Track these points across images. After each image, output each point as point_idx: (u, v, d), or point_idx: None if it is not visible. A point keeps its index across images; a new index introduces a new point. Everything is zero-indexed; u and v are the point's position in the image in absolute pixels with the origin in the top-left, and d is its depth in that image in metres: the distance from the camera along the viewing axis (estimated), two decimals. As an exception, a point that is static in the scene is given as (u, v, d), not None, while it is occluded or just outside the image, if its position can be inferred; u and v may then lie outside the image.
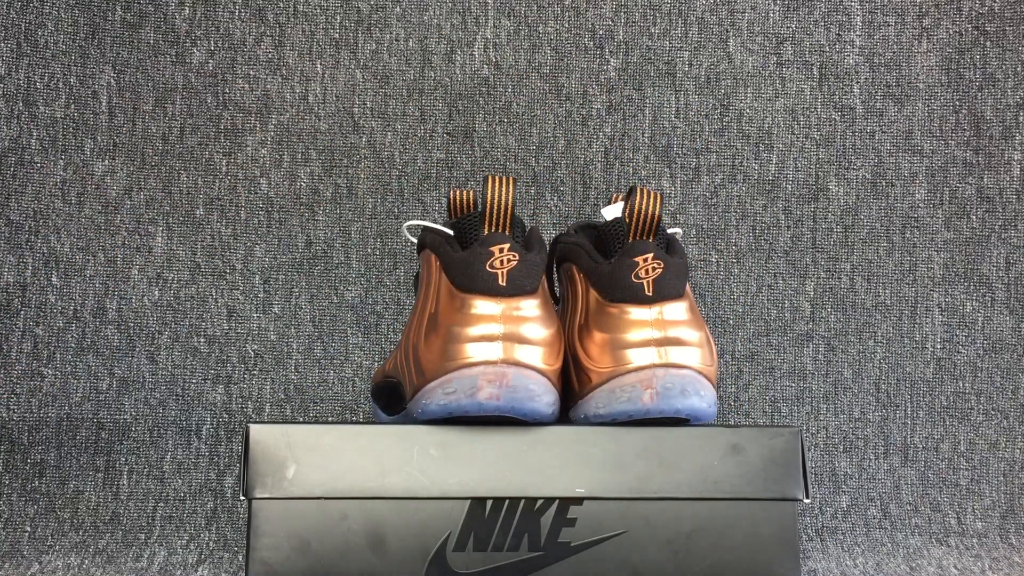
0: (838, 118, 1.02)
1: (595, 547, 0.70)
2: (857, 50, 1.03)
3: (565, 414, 0.74)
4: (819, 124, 1.02)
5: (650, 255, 0.72)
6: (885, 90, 1.03)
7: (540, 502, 0.69)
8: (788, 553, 0.70)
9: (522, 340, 0.69)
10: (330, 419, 1.00)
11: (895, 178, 1.02)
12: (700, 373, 0.71)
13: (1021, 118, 1.03)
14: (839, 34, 1.03)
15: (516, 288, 0.69)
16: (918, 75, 1.03)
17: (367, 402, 1.00)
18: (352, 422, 0.99)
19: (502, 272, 0.69)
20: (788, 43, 1.03)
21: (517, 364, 0.69)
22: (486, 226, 0.71)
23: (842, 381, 1.01)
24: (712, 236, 1.02)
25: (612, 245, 0.75)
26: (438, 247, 0.73)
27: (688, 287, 0.74)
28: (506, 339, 0.69)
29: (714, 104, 1.02)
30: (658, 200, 0.73)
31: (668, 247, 0.75)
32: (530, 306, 0.70)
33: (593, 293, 0.74)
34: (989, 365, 1.01)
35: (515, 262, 0.69)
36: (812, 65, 1.03)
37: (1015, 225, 1.02)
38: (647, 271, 0.72)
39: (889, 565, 0.90)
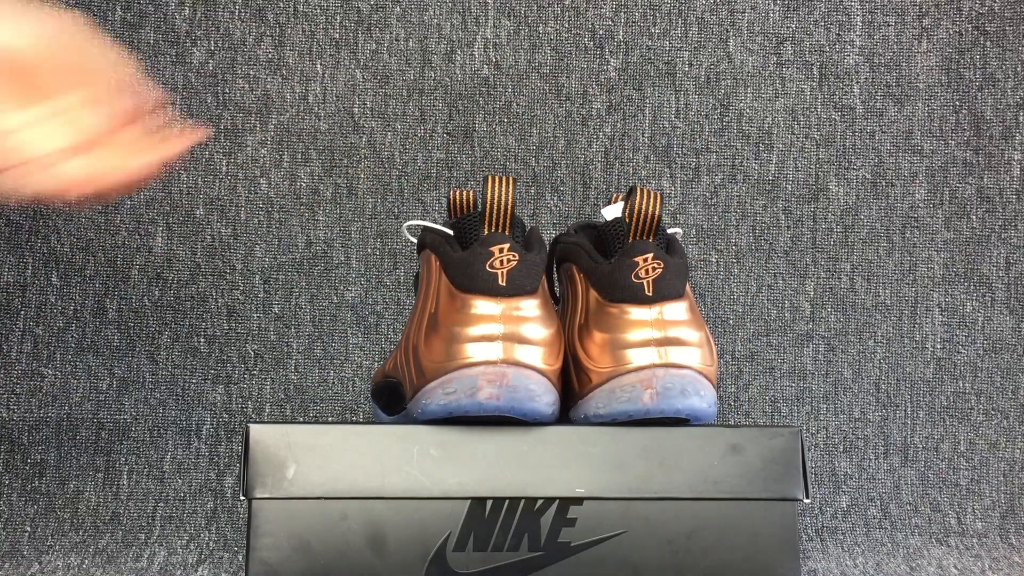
0: (838, 118, 1.02)
1: (595, 547, 0.70)
2: (857, 50, 1.03)
3: (565, 414, 0.74)
4: (819, 124, 1.02)
5: (650, 255, 0.72)
6: (885, 90, 1.03)
7: (540, 502, 0.69)
8: (788, 553, 0.70)
9: (522, 340, 0.69)
10: (330, 419, 1.00)
11: (895, 178, 1.02)
12: (700, 373, 0.71)
13: (1021, 118, 1.03)
14: (839, 34, 1.03)
15: (516, 288, 0.69)
16: (918, 75, 1.03)
17: (367, 402, 1.00)
18: (352, 422, 0.99)
19: (502, 272, 0.69)
20: (788, 43, 1.03)
21: (517, 364, 0.69)
22: (486, 226, 0.71)
23: (842, 381, 1.01)
24: (712, 236, 1.02)
25: (612, 245, 0.75)
26: (438, 247, 0.73)
27: (688, 287, 0.74)
28: (506, 339, 0.69)
29: (714, 104, 1.02)
30: (658, 200, 0.73)
31: (668, 247, 0.75)
32: (530, 306, 0.70)
33: (593, 293, 0.74)
34: (989, 365, 1.01)
35: (515, 262, 0.69)
36: (812, 65, 1.03)
37: (1015, 225, 1.02)
38: (647, 271, 0.72)
39: (889, 565, 0.90)
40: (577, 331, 0.74)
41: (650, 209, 0.73)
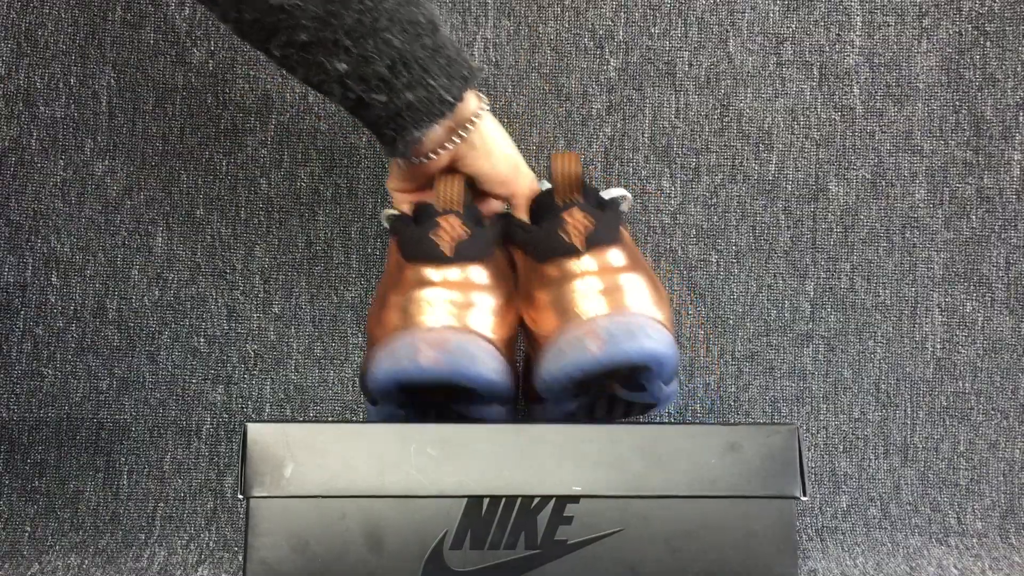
0: (838, 118, 1.02)
1: (592, 545, 0.70)
2: (857, 50, 1.03)
3: (535, 392, 0.74)
4: (819, 124, 1.02)
5: (575, 209, 0.72)
6: (885, 90, 1.03)
7: (537, 500, 0.69)
8: (786, 551, 0.70)
9: (466, 306, 0.69)
10: (330, 419, 1.00)
11: (895, 178, 1.02)
12: (647, 316, 0.70)
13: (1021, 118, 1.02)
14: (839, 34, 1.03)
15: (461, 257, 0.70)
16: (918, 75, 1.03)
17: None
18: (350, 421, 0.99)
19: (449, 243, 0.70)
20: (788, 43, 1.03)
21: (458, 330, 0.68)
22: (437, 205, 0.73)
23: (842, 381, 1.00)
24: (712, 236, 1.02)
25: (543, 213, 0.76)
26: (398, 229, 0.75)
27: (627, 235, 0.74)
28: (451, 304, 0.69)
29: (714, 104, 1.02)
30: (576, 160, 0.74)
31: (598, 204, 0.75)
32: (476, 274, 0.70)
33: (529, 261, 0.74)
34: (989, 365, 1.01)
35: (462, 233, 0.70)
36: (812, 65, 1.03)
37: (1015, 225, 1.02)
38: (575, 227, 0.72)
39: (889, 565, 0.90)
40: (522, 303, 0.74)
41: (569, 169, 0.74)
